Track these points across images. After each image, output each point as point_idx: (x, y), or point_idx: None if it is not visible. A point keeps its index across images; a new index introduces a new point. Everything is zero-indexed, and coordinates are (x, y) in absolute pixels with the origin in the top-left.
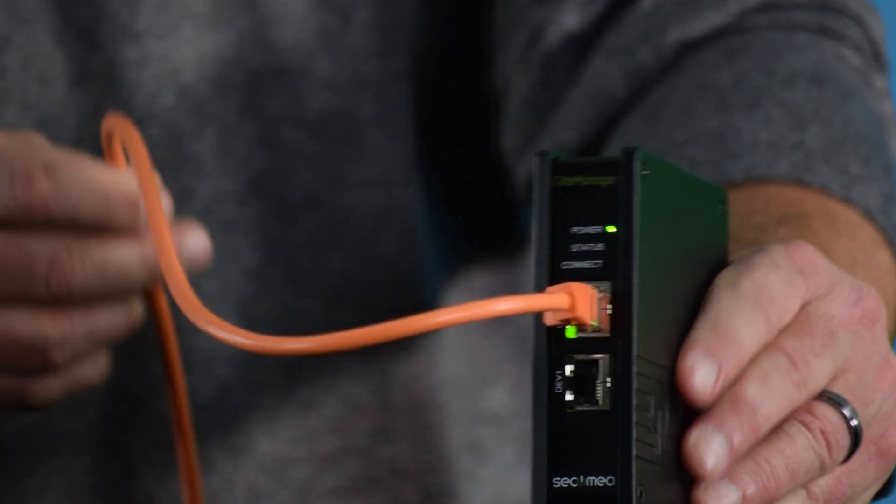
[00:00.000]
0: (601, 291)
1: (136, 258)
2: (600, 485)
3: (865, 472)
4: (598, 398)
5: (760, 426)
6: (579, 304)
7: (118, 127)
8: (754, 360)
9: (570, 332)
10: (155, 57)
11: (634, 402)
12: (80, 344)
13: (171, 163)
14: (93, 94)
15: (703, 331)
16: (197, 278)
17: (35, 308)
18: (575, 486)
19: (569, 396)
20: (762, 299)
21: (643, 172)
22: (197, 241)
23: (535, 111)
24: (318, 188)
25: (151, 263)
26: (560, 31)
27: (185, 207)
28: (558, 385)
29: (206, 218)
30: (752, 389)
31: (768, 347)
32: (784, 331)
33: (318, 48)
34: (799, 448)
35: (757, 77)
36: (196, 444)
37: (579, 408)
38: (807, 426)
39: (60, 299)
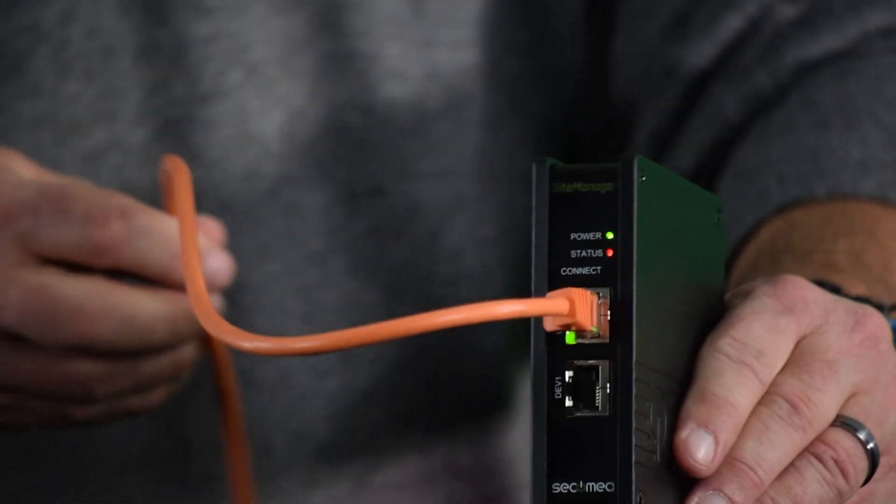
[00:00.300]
0: (600, 298)
1: (164, 316)
2: (600, 490)
3: (884, 489)
4: (598, 404)
5: (763, 481)
6: (579, 309)
7: (171, 165)
8: (754, 412)
9: (570, 338)
10: (225, 34)
11: (634, 407)
12: (124, 381)
13: (236, 141)
14: (158, 68)
15: (693, 403)
16: (259, 259)
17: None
18: (574, 491)
19: (568, 402)
20: (746, 355)
21: (641, 179)
22: (218, 262)
23: (662, 139)
24: (383, 177)
25: (178, 322)
26: (692, 68)
27: (249, 187)
28: (558, 391)
29: (271, 199)
30: (749, 447)
31: (767, 395)
32: (782, 372)
33: (390, 35)
34: (808, 483)
35: (861, 98)
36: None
37: (579, 413)
38: (818, 457)
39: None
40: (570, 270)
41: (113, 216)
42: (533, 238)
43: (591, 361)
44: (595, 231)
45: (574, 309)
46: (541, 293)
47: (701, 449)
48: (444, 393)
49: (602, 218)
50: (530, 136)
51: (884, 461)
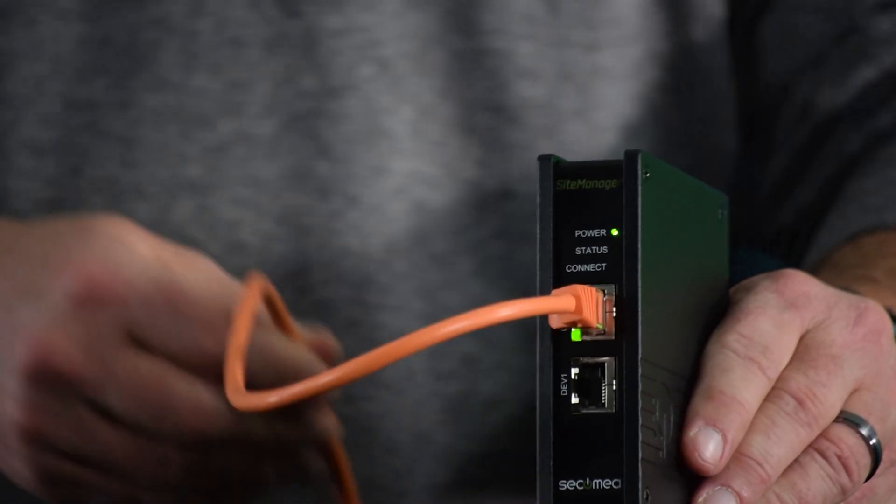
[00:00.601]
0: (606, 294)
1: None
2: (606, 487)
3: (884, 484)
4: (604, 401)
5: (770, 476)
6: (585, 306)
7: (253, 281)
8: (761, 407)
9: (575, 335)
10: (357, 27)
11: (640, 404)
12: (208, 476)
13: (365, 135)
14: (287, 60)
15: (700, 401)
16: (387, 256)
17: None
18: (581, 488)
19: (574, 399)
20: (753, 351)
21: (645, 175)
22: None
23: (792, 175)
24: (513, 179)
25: (280, 429)
26: (824, 112)
27: (377, 184)
28: (564, 388)
29: (398, 197)
30: (757, 442)
31: (774, 391)
32: (787, 367)
33: (523, 34)
34: (812, 479)
35: None
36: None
37: (585, 410)
38: (822, 454)
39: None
40: (575, 267)
41: (223, 326)
42: (538, 235)
43: (597, 358)
44: (600, 228)
45: (580, 306)
46: (546, 290)
47: (709, 447)
48: None
49: (607, 215)
50: (667, 146)
51: (886, 456)
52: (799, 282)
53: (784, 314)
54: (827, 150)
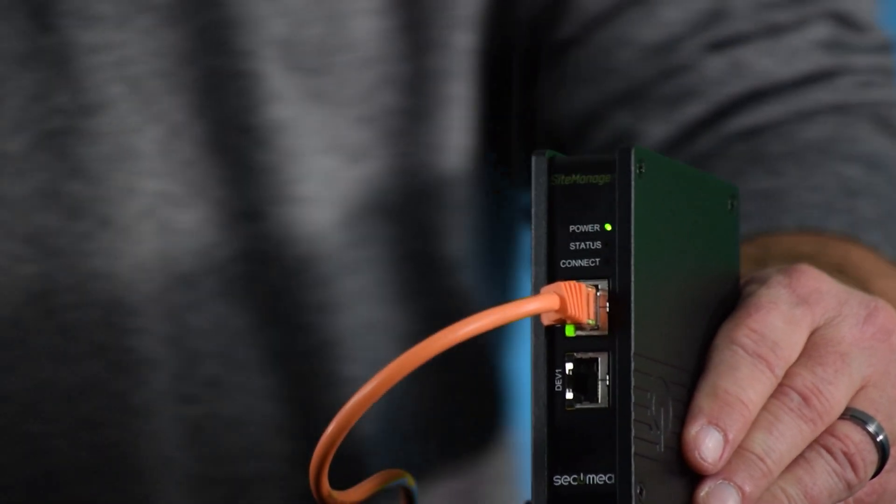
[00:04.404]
0: (599, 290)
1: None
2: (600, 483)
3: (890, 482)
4: (598, 396)
5: (772, 471)
6: (571, 303)
7: None
8: (766, 404)
9: (569, 330)
10: (110, 44)
11: (633, 399)
12: None
13: (116, 155)
14: (40, 75)
15: (704, 397)
16: (135, 278)
17: None
18: (575, 483)
19: (569, 395)
20: (762, 348)
21: (639, 170)
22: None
23: None
24: (261, 199)
25: None
26: (649, 139)
27: (126, 205)
28: (558, 383)
29: (146, 218)
30: (759, 438)
31: (780, 387)
32: (795, 364)
33: (272, 57)
34: (818, 474)
35: (811, 154)
36: None
37: (579, 406)
38: (828, 450)
39: None
40: (569, 262)
41: None
42: (532, 230)
43: (590, 354)
44: (594, 223)
45: (565, 304)
46: (539, 285)
47: (710, 447)
48: None
49: (600, 210)
50: (393, 169)
51: (894, 452)
52: (812, 278)
53: (795, 310)
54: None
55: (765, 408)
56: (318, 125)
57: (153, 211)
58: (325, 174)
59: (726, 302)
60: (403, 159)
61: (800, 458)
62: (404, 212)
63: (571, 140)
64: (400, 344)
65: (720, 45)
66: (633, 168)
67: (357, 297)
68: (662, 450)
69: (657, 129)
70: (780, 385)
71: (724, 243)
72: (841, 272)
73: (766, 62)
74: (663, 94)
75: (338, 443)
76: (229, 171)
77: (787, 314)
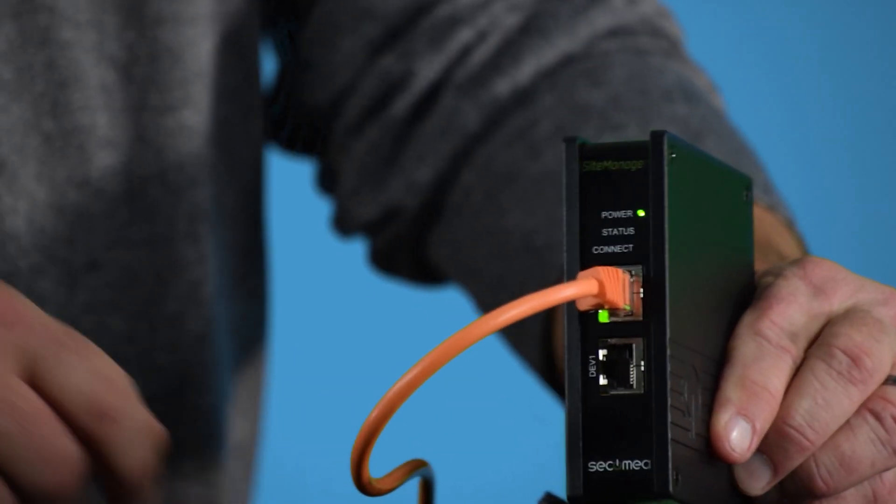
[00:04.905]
0: (633, 275)
1: None
2: (636, 468)
3: None
4: (633, 382)
5: (814, 444)
6: (609, 288)
7: None
8: (809, 366)
9: (603, 316)
10: None
11: (669, 385)
12: None
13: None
14: None
15: (731, 388)
16: None
17: None
18: (611, 469)
19: (603, 381)
20: (785, 339)
21: (671, 155)
22: None
23: (382, 153)
24: (98, 249)
25: None
26: (422, 81)
27: (10, 284)
28: (592, 370)
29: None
30: (805, 407)
31: (824, 346)
32: (835, 324)
33: (101, 105)
34: (860, 441)
35: (633, 97)
36: None
37: (613, 392)
38: (876, 415)
39: None
40: (602, 249)
41: (116, 390)
42: (564, 217)
43: (625, 339)
44: (626, 209)
45: (604, 289)
46: (573, 272)
47: (738, 437)
48: None
49: (633, 195)
50: (242, 187)
51: None
52: (826, 267)
53: (813, 302)
54: (437, 124)
55: (809, 370)
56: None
57: (23, 284)
58: None
59: (744, 292)
60: (234, 159)
61: (844, 425)
62: None
63: (331, 105)
64: None
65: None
66: (666, 152)
67: None
68: (694, 437)
69: (433, 65)
70: (824, 345)
71: (740, 233)
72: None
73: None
74: (427, 28)
75: (380, 430)
76: (70, 229)
77: (806, 306)
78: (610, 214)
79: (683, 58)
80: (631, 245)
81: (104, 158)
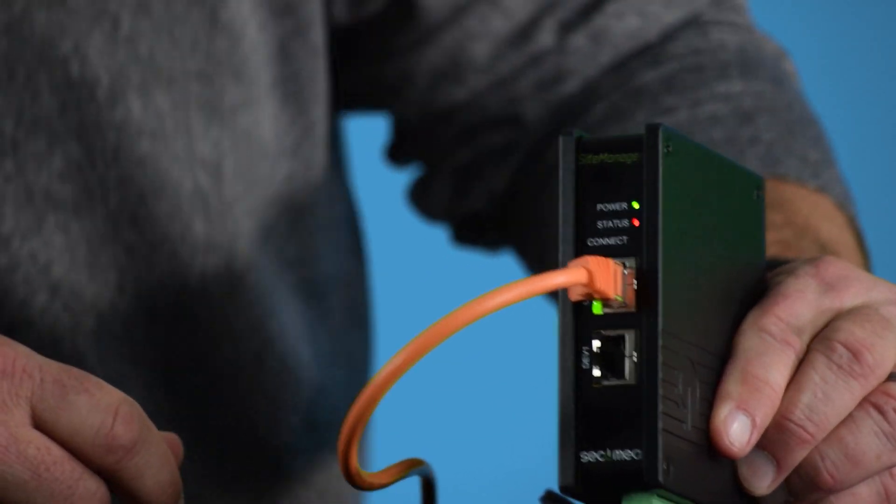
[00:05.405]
0: (626, 267)
1: None
2: (627, 458)
3: None
4: (625, 373)
5: (815, 437)
6: (598, 277)
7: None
8: (810, 360)
9: (596, 307)
10: (24, 258)
11: (661, 376)
12: None
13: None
14: None
15: (732, 382)
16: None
17: None
18: (602, 459)
19: (596, 372)
20: (789, 335)
21: (667, 149)
22: None
23: (469, 170)
24: (202, 348)
25: None
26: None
27: None
28: (585, 361)
29: None
30: (804, 401)
31: (825, 341)
32: (841, 320)
33: (196, 209)
34: (863, 434)
35: (686, 76)
36: None
37: (606, 383)
38: (879, 409)
39: None
40: (596, 241)
41: (125, 420)
42: (559, 209)
43: (618, 331)
44: (621, 201)
45: (592, 278)
46: (567, 263)
47: (738, 431)
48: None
49: (627, 188)
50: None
51: None
52: (838, 265)
53: (823, 298)
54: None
55: (810, 365)
56: None
57: None
58: None
59: (753, 291)
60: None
61: (848, 419)
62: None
63: (426, 132)
64: None
65: (573, 24)
66: (660, 145)
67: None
68: (689, 429)
69: (533, 112)
70: (826, 339)
71: (749, 233)
72: (780, 206)
73: (629, 21)
74: (534, 79)
75: (366, 418)
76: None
77: (815, 302)
78: (605, 207)
79: (748, 25)
80: (625, 237)
81: (204, 261)
